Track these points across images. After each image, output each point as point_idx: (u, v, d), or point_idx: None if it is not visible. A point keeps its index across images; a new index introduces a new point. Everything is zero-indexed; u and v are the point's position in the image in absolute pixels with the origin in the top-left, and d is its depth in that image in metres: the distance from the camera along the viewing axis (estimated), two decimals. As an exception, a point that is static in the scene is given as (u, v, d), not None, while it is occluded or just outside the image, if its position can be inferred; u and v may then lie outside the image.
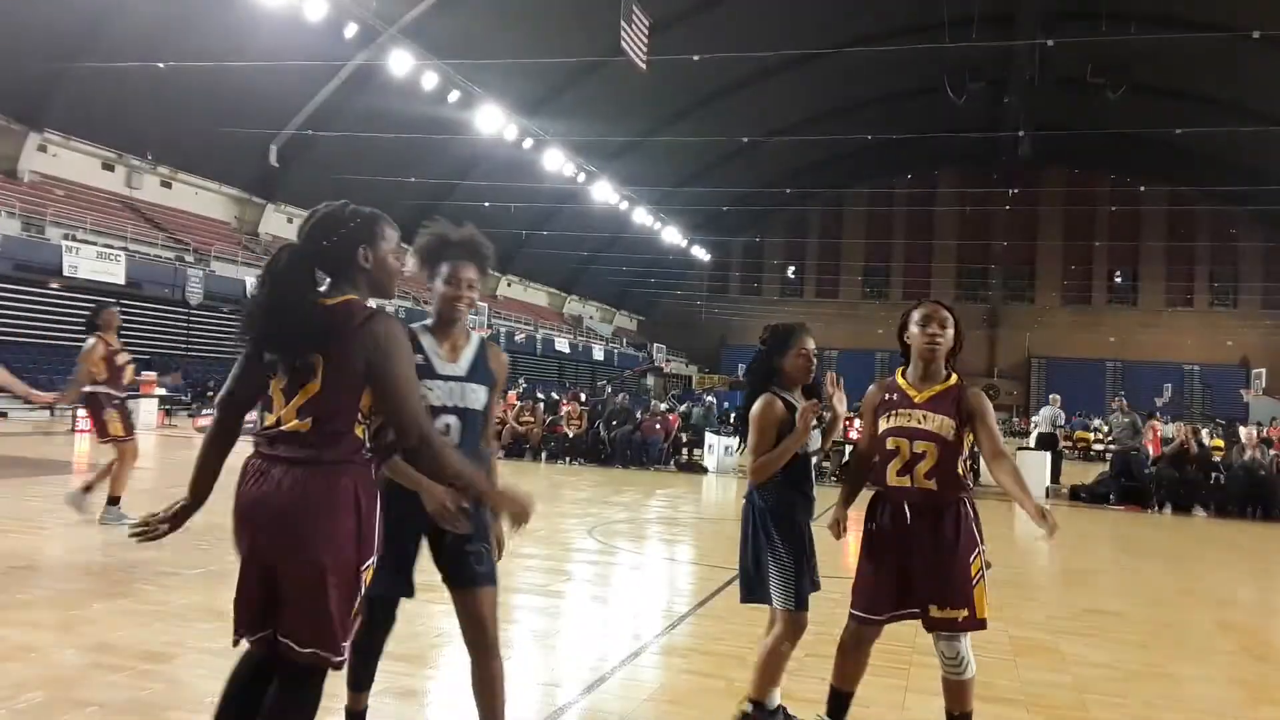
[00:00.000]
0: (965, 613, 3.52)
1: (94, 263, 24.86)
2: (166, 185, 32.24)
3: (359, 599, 2.42)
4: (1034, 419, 23.12)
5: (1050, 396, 20.74)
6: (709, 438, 17.78)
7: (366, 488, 2.41)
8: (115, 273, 25.36)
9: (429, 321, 3.21)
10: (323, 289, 2.47)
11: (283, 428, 2.40)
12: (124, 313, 9.50)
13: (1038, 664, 5.22)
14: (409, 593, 3.18)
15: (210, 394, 24.33)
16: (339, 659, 2.41)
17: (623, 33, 22.97)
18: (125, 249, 26.71)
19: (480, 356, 3.19)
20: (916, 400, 3.48)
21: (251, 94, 28.20)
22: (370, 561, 2.43)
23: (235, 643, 2.58)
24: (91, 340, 8.09)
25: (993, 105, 39.08)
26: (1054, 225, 56.34)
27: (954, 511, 3.48)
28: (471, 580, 3.05)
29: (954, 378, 3.54)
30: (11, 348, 23.44)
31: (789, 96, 40.43)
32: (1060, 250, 56.98)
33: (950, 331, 3.51)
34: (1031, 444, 17.48)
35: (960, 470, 3.49)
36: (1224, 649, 6.01)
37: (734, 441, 17.28)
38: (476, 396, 3.12)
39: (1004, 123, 39.13)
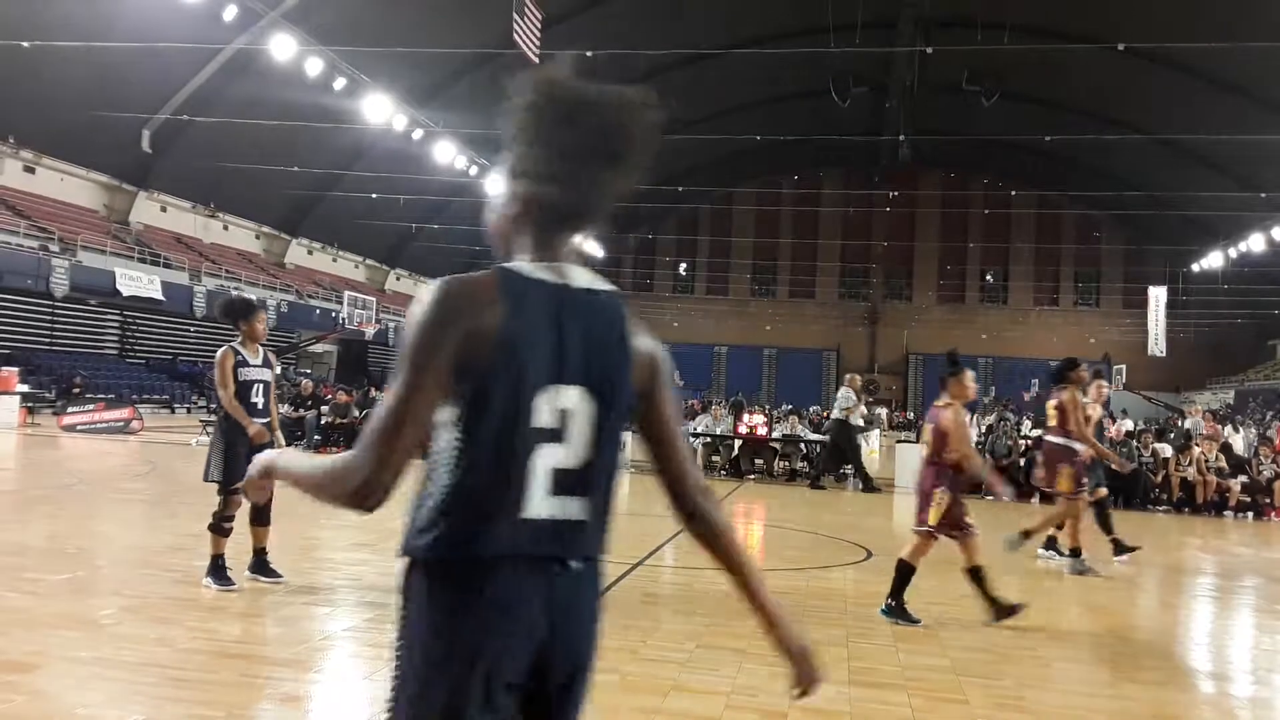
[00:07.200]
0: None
1: (-53, 251, 23.37)
2: (30, 170, 30.47)
3: None
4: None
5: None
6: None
7: None
8: (-29, 262, 23.89)
9: None
10: None
11: None
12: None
13: (917, 649, 5.42)
14: None
15: (76, 390, 23.14)
16: None
17: (514, 25, 22.76)
18: (-17, 237, 25.18)
19: None
20: None
21: (123, 76, 26.86)
22: None
23: None
24: (1066, 394, 8.06)
25: (875, 110, 40.25)
26: (931, 227, 58.37)
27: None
28: None
29: None
30: None
31: (680, 95, 40.06)
32: (937, 251, 59.08)
33: None
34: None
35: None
36: (1091, 631, 6.35)
37: (626, 437, 17.28)
38: None
39: (885, 127, 40.32)
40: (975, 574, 6.05)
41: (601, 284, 1.60)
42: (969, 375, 6.23)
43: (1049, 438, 8.26)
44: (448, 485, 1.50)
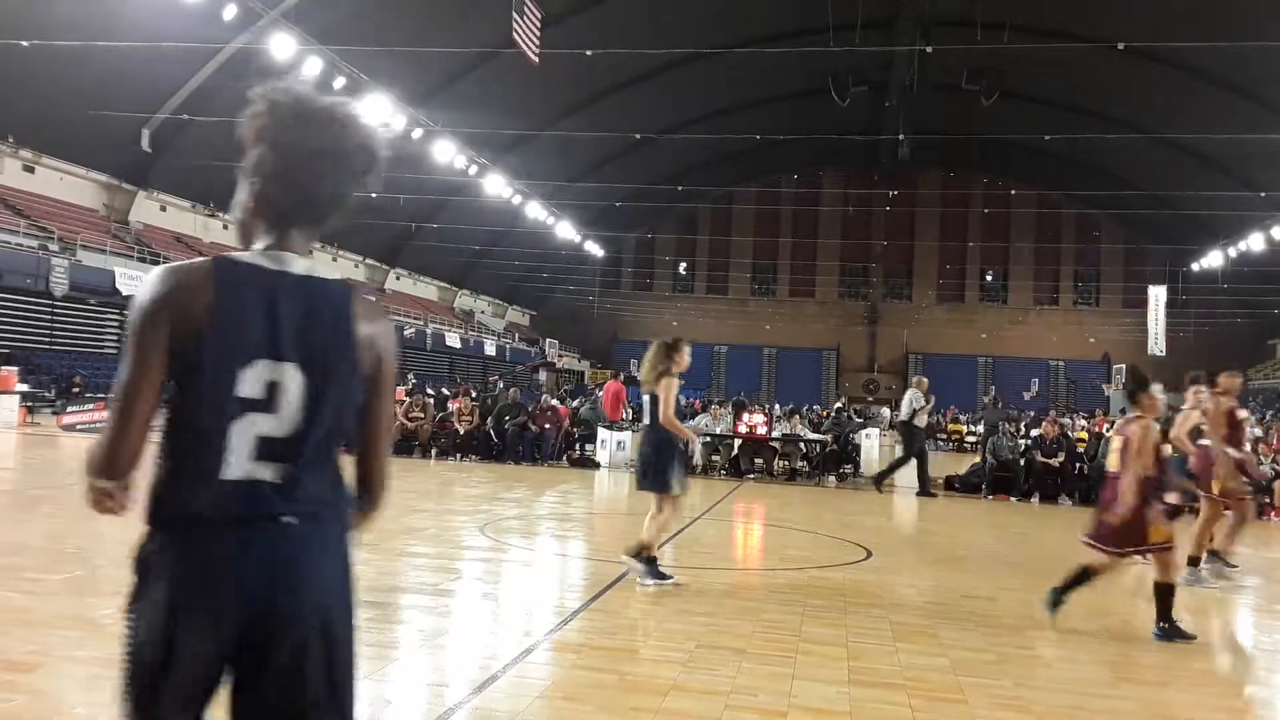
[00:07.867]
0: None
1: (-54, 251, 23.34)
2: (29, 170, 30.46)
3: None
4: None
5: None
6: (601, 433, 17.81)
7: None
8: (-30, 262, 23.87)
9: None
10: None
11: None
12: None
13: (917, 648, 5.41)
14: None
15: (76, 389, 23.12)
16: None
17: (514, 24, 22.76)
18: (-18, 237, 25.18)
19: None
20: None
21: (123, 76, 26.84)
22: None
23: None
24: (1204, 397, 8.05)
25: (874, 108, 40.24)
26: (930, 226, 58.39)
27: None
28: None
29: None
30: None
31: (680, 95, 40.75)
32: (936, 250, 59.11)
33: None
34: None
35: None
36: (1089, 631, 6.34)
37: (626, 436, 17.35)
38: None
39: (885, 126, 40.32)
40: (1164, 591, 6.07)
41: (325, 273, 1.78)
42: (1157, 388, 6.23)
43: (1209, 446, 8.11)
44: (163, 453, 1.66)
